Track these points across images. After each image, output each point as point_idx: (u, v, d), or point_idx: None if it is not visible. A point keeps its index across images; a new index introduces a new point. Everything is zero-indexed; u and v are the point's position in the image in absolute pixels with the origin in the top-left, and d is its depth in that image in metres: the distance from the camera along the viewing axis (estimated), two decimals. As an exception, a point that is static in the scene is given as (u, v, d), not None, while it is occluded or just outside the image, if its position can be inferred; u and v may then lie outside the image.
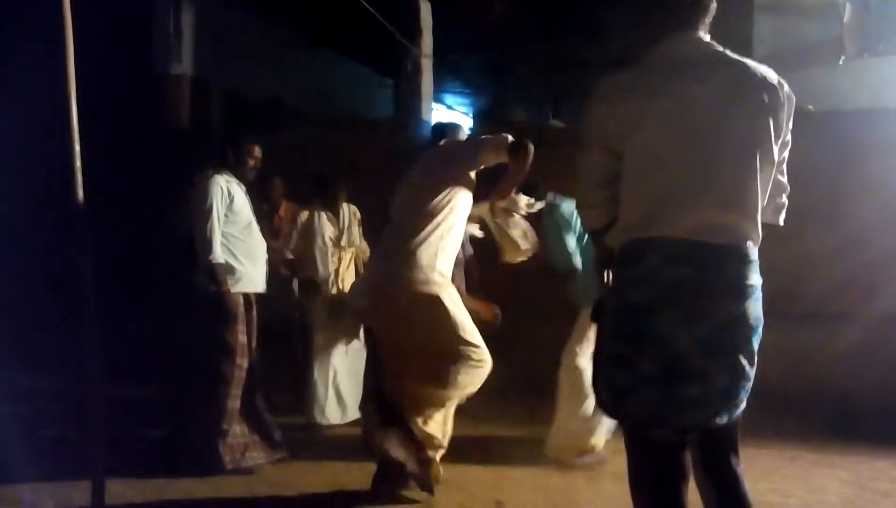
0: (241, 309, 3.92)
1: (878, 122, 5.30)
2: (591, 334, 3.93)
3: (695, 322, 1.92)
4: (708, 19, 2.07)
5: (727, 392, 1.97)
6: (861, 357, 5.15)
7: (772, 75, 2.03)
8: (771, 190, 2.05)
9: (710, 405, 1.97)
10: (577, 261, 4.08)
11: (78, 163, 2.77)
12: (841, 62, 6.20)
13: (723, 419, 2.01)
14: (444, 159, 3.52)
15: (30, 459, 3.56)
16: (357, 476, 3.80)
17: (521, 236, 3.64)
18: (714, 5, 2.06)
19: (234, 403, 3.88)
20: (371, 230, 5.07)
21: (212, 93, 7.53)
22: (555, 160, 5.75)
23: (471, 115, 13.10)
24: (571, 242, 4.10)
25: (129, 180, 6.41)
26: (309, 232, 4.92)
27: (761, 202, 2.00)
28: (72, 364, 2.99)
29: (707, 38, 2.06)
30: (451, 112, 13.41)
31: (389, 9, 6.31)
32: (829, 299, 5.20)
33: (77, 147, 2.76)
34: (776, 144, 2.01)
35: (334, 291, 4.92)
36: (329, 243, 4.93)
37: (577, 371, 3.96)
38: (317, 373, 4.80)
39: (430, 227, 3.33)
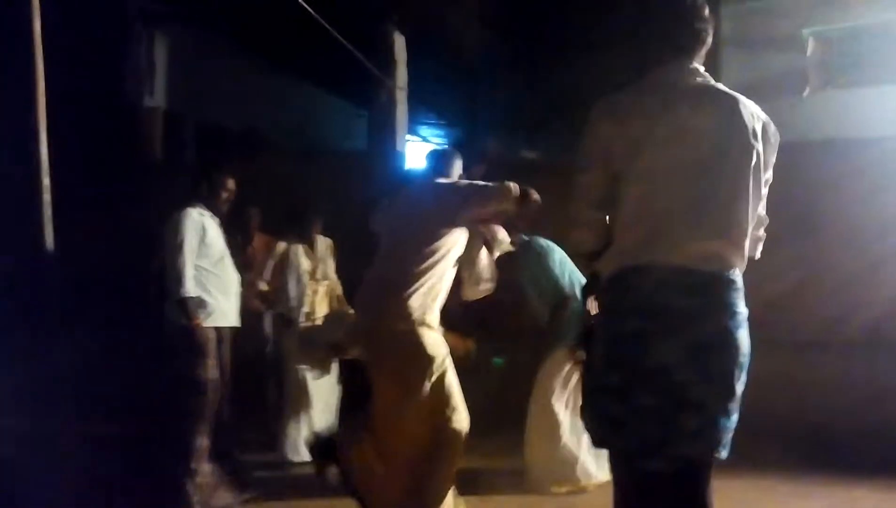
0: (213, 344, 3.86)
1: (842, 152, 5.43)
2: (563, 372, 3.96)
3: (692, 351, 1.91)
4: (703, 50, 2.10)
5: (726, 421, 1.96)
6: (835, 385, 5.20)
7: (760, 112, 2.07)
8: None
9: (709, 435, 1.96)
10: (568, 285, 4.04)
11: (47, 196, 2.73)
12: (805, 94, 6.35)
13: (721, 451, 1.98)
14: (444, 203, 3.24)
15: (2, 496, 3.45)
16: (330, 512, 3.73)
17: (485, 270, 3.47)
18: (710, 38, 2.09)
19: (203, 440, 3.79)
20: (344, 263, 5.05)
21: (185, 125, 7.51)
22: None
23: (444, 146, 13.18)
24: (556, 268, 4.07)
25: (100, 213, 6.33)
26: (285, 265, 4.88)
27: (749, 233, 2.02)
28: (40, 402, 2.92)
29: (702, 68, 2.08)
30: (426, 143, 13.49)
31: (364, 41, 6.36)
32: (800, 327, 5.26)
33: (46, 180, 2.73)
34: (763, 177, 2.05)
35: (308, 324, 4.86)
36: (305, 276, 4.89)
37: (547, 409, 3.94)
38: (290, 408, 4.73)
39: (423, 278, 3.13)
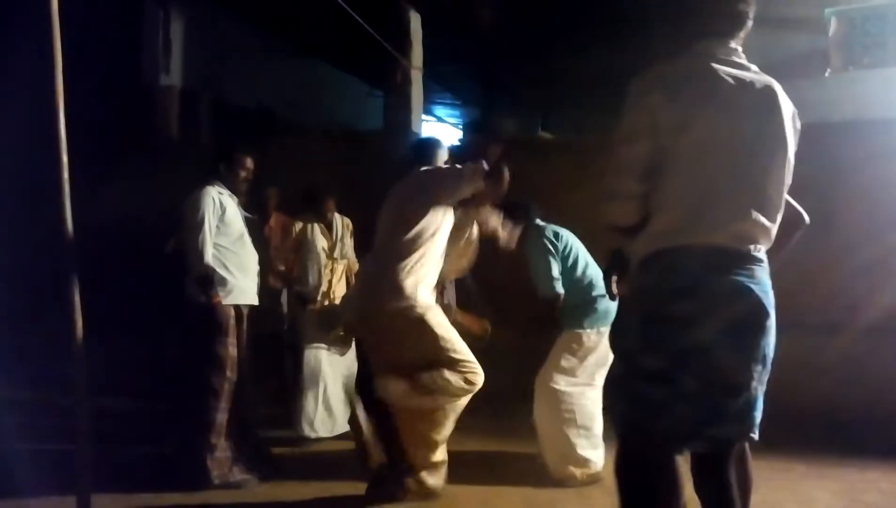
0: (233, 321, 3.89)
1: (864, 133, 5.36)
2: (569, 355, 3.96)
3: (736, 334, 1.92)
4: (743, 33, 2.09)
5: (761, 403, 1.99)
6: (850, 368, 5.18)
7: (789, 100, 2.08)
8: None
9: (749, 417, 1.98)
10: (560, 287, 4.00)
11: (66, 174, 2.75)
12: (827, 75, 6.27)
13: (756, 432, 2.00)
14: (423, 188, 3.52)
15: (15, 473, 3.52)
16: (346, 489, 3.77)
17: (465, 247, 3.67)
18: (751, 22, 2.09)
19: (223, 417, 3.84)
20: (363, 242, 5.07)
21: (201, 104, 7.53)
22: (543, 172, 5.80)
23: (460, 126, 13.13)
24: (556, 268, 4.00)
25: (118, 192, 6.38)
26: (303, 244, 4.89)
27: (780, 214, 2.05)
28: (59, 377, 2.97)
29: (741, 49, 2.09)
30: (441, 123, 13.44)
31: (379, 20, 6.33)
32: (818, 310, 5.22)
33: (65, 158, 2.74)
34: (791, 162, 2.07)
35: (326, 303, 4.89)
36: (322, 255, 4.91)
37: (554, 392, 3.94)
38: (306, 386, 4.77)
39: (412, 256, 3.39)
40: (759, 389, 1.97)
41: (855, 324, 5.18)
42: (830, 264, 4.98)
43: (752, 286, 1.95)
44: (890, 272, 5.18)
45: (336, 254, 4.96)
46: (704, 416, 1.93)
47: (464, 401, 3.49)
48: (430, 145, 3.77)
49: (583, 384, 3.97)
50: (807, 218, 2.46)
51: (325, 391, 4.80)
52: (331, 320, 4.80)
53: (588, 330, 3.96)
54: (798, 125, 2.11)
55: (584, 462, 3.95)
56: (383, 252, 3.49)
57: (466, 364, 3.41)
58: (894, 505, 3.73)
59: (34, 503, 3.46)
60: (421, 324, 3.38)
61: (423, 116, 8.18)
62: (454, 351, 3.41)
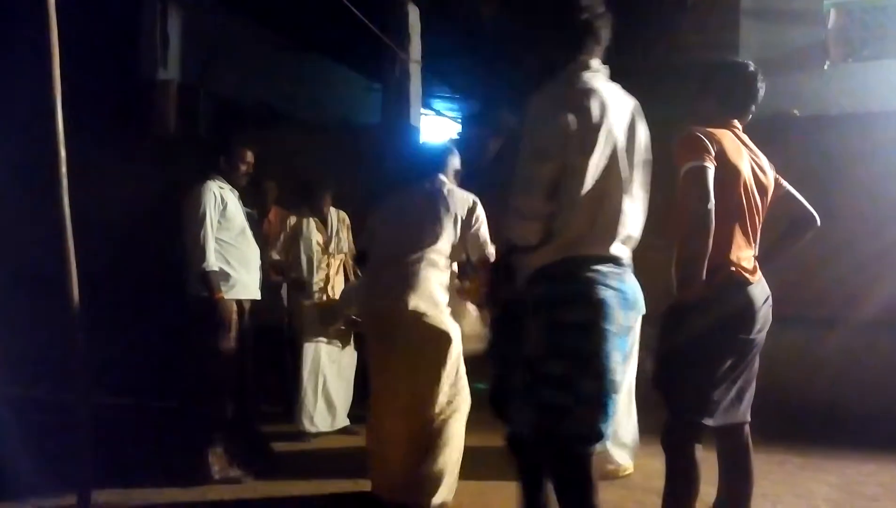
0: (235, 316, 3.87)
1: (863, 126, 5.35)
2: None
3: (622, 336, 2.13)
4: (601, 47, 2.26)
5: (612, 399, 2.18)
6: (847, 361, 5.19)
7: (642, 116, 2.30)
8: None
9: (615, 412, 2.20)
10: None
11: (63, 169, 2.74)
12: (826, 67, 6.25)
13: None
14: (451, 208, 3.46)
15: (17, 470, 3.52)
16: (346, 483, 3.78)
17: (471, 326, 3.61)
18: (606, 34, 2.24)
19: (223, 412, 3.84)
20: (359, 236, 5.06)
21: (199, 98, 7.50)
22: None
23: (459, 119, 13.10)
24: None
25: (116, 187, 6.36)
26: (297, 238, 4.89)
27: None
28: (60, 373, 2.96)
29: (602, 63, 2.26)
30: (440, 117, 13.41)
31: (378, 14, 6.30)
32: (816, 303, 5.22)
33: (63, 153, 2.73)
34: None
35: (324, 297, 4.88)
36: (317, 249, 4.90)
37: None
38: (306, 380, 4.77)
39: (439, 266, 3.42)
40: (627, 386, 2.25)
41: (854, 318, 5.18)
42: (829, 257, 4.97)
43: (636, 290, 2.19)
44: (889, 266, 5.17)
45: (332, 249, 4.95)
46: (600, 416, 2.11)
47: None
48: (446, 153, 3.71)
49: None
50: (818, 220, 2.56)
51: (324, 385, 4.81)
52: (331, 314, 4.80)
53: None
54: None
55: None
56: (405, 255, 3.40)
57: (460, 389, 3.45)
58: (892, 497, 3.74)
59: (35, 500, 3.46)
60: (443, 337, 3.38)
61: (422, 110, 8.15)
62: (458, 376, 3.44)
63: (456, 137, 9.38)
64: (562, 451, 2.15)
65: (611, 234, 2.11)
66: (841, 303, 5.22)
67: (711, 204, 2.35)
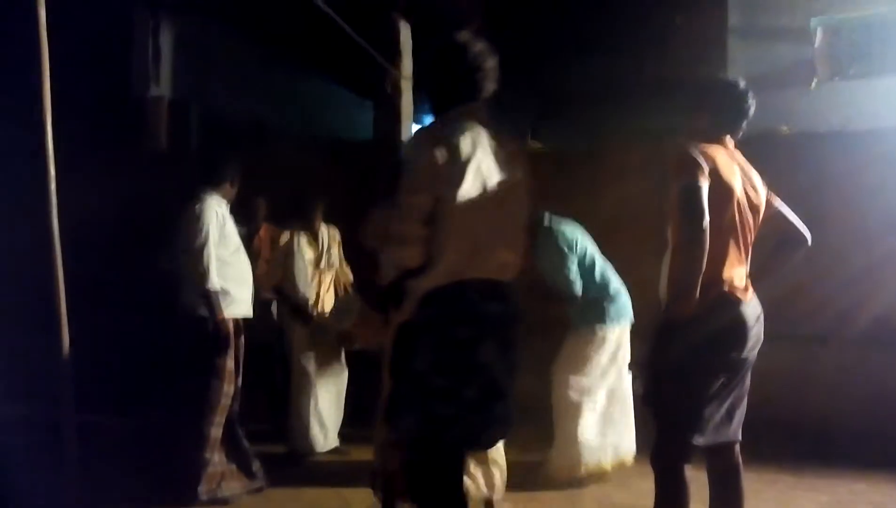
0: (233, 335, 3.81)
1: (851, 143, 5.39)
2: (582, 353, 3.98)
3: (504, 350, 2.36)
4: (487, 94, 2.48)
5: (513, 405, 2.44)
6: (838, 379, 5.19)
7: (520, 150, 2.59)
8: None
9: (508, 418, 2.44)
10: (579, 287, 4.00)
11: (53, 186, 2.72)
12: (813, 85, 6.31)
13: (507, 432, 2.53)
14: None
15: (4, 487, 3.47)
16: (336, 503, 3.74)
17: None
18: (491, 86, 2.49)
19: (217, 431, 3.78)
20: (355, 253, 5.05)
21: (191, 115, 7.50)
22: (534, 181, 5.80)
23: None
24: (574, 267, 4.00)
25: (107, 203, 6.33)
26: (288, 254, 4.86)
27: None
28: (45, 391, 2.93)
29: (484, 111, 2.49)
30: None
31: (369, 30, 6.32)
32: (807, 320, 5.24)
33: (53, 170, 2.72)
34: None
35: (315, 314, 4.86)
36: (309, 266, 4.87)
37: (568, 391, 3.96)
38: (297, 399, 4.73)
39: None
40: (512, 394, 2.42)
41: (844, 334, 5.20)
42: (819, 274, 4.99)
43: (515, 309, 2.41)
44: (880, 283, 5.20)
45: (322, 264, 4.92)
46: (482, 423, 2.37)
47: None
48: None
49: (597, 381, 4.01)
50: (809, 239, 2.59)
51: (316, 404, 4.75)
52: (322, 330, 4.77)
53: (606, 326, 4.01)
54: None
55: (595, 460, 4.00)
56: None
57: None
58: (884, 515, 3.74)
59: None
60: None
61: (413, 126, 8.17)
62: None
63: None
64: (443, 459, 2.39)
65: (488, 260, 2.34)
66: (832, 320, 5.23)
67: (706, 222, 2.40)
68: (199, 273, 3.67)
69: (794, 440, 4.85)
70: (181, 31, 7.50)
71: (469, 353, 2.29)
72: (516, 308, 2.41)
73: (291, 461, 4.65)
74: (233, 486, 3.83)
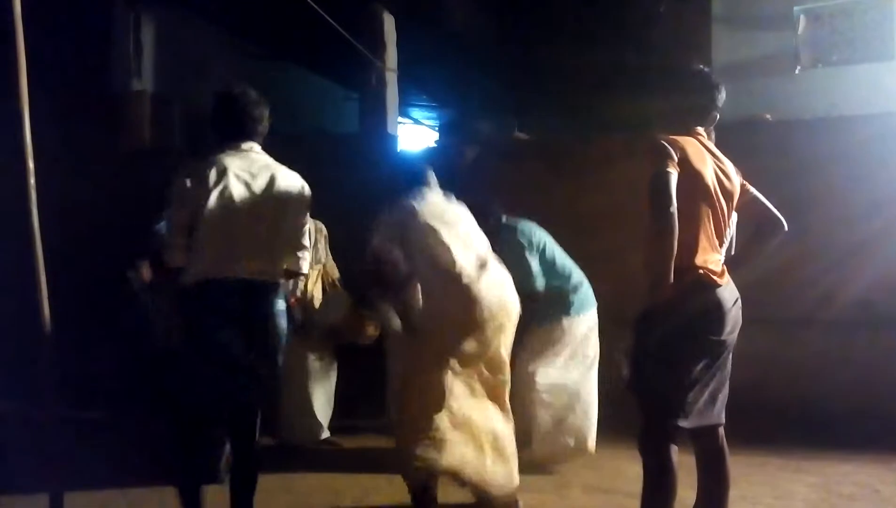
0: None
1: (834, 130, 5.42)
2: (549, 345, 4.01)
3: (241, 334, 2.89)
4: (256, 134, 3.14)
5: (253, 383, 2.98)
6: (824, 362, 5.24)
7: (294, 180, 3.15)
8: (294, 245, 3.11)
9: (248, 387, 2.95)
10: (541, 283, 4.03)
11: (32, 180, 2.69)
12: (797, 72, 6.34)
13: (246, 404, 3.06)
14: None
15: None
16: (326, 496, 3.74)
17: None
18: (262, 127, 3.16)
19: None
20: (339, 248, 5.03)
21: (173, 109, 7.44)
22: (520, 172, 5.81)
23: (436, 127, 13.12)
24: (535, 263, 4.03)
25: (88, 198, 6.28)
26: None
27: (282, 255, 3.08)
28: (28, 387, 2.90)
29: (255, 145, 3.13)
30: (417, 125, 13.43)
31: (353, 22, 6.29)
32: (792, 305, 5.28)
33: (31, 165, 2.68)
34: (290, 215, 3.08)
35: (304, 308, 4.83)
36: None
37: (534, 383, 4.00)
38: (286, 392, 4.71)
39: None
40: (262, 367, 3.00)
41: (828, 318, 5.25)
42: (802, 259, 5.03)
43: (260, 304, 2.98)
44: (861, 267, 5.24)
45: (310, 260, 4.88)
46: (219, 392, 2.93)
47: None
48: (426, 169, 3.63)
49: (561, 371, 4.06)
50: (785, 225, 2.62)
51: (305, 397, 4.75)
52: (310, 325, 4.75)
53: (573, 317, 4.07)
54: (304, 193, 3.18)
55: (561, 448, 4.06)
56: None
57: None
58: (870, 497, 3.77)
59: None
60: None
61: (399, 119, 8.15)
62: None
63: (433, 145, 9.37)
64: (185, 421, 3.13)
65: (230, 260, 2.88)
66: (816, 303, 5.28)
67: (674, 207, 2.45)
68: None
69: (781, 423, 4.90)
70: (164, 25, 7.43)
71: (209, 337, 2.87)
72: (263, 303, 2.97)
73: (282, 452, 4.64)
74: (224, 476, 3.80)
